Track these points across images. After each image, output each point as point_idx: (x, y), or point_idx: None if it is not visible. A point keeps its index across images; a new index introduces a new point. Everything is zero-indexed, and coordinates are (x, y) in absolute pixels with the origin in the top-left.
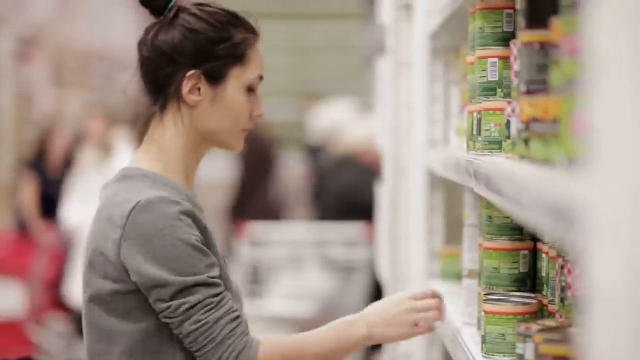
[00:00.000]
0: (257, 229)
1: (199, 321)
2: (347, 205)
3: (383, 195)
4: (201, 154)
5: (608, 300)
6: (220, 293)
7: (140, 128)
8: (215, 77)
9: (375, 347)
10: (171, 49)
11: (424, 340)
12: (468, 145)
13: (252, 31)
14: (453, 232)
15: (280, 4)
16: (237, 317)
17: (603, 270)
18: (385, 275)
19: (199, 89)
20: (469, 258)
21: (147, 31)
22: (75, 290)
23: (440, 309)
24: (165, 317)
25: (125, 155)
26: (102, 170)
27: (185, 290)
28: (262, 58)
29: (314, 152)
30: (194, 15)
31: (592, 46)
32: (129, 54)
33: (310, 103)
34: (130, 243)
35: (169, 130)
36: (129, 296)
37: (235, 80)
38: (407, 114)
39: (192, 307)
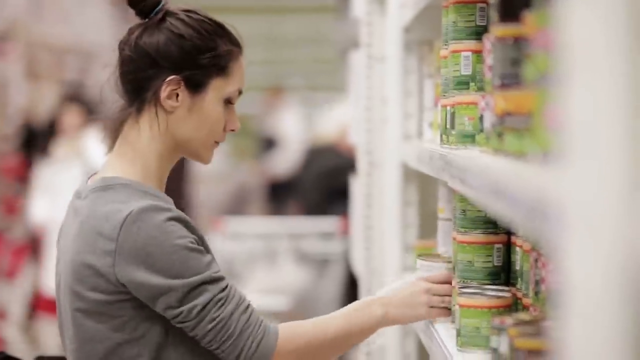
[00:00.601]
0: (231, 222)
1: (214, 319)
2: (330, 188)
3: (357, 189)
4: (173, 161)
5: (582, 293)
6: (227, 286)
7: (113, 128)
8: (195, 86)
9: None
10: (155, 52)
11: (398, 333)
12: (442, 139)
13: (236, 44)
14: (427, 226)
15: None
16: (248, 306)
17: (577, 264)
18: (359, 269)
19: (177, 95)
20: (444, 252)
21: (130, 31)
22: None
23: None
24: (179, 323)
25: (97, 150)
26: (74, 164)
27: (192, 291)
28: (244, 72)
29: (269, 145)
30: (181, 20)
31: (566, 40)
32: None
33: (274, 96)
34: (126, 256)
35: (145, 133)
36: (123, 305)
37: (215, 91)
38: (381, 108)
39: (203, 307)
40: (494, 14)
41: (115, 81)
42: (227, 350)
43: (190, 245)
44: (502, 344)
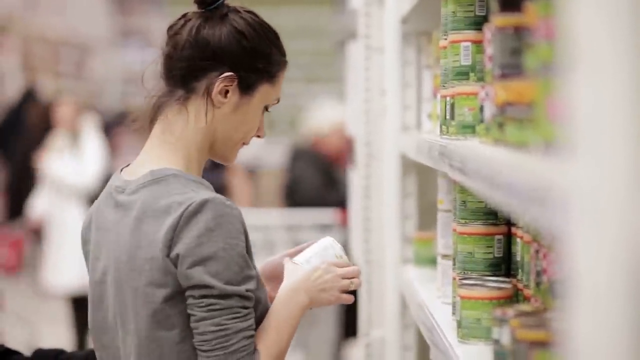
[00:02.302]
0: None
1: (220, 325)
2: (292, 199)
3: (356, 180)
4: (206, 157)
5: (586, 284)
6: (250, 308)
7: (152, 111)
8: (246, 87)
9: (349, 334)
10: (216, 45)
11: (398, 325)
12: (441, 130)
13: (285, 56)
14: (427, 218)
15: None
16: (252, 335)
17: (580, 254)
18: (358, 260)
19: (226, 92)
20: (443, 243)
21: (186, 18)
22: (55, 278)
23: (359, 277)
24: (191, 305)
25: (93, 142)
26: (70, 157)
27: (220, 295)
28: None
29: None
30: (245, 20)
31: (568, 29)
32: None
33: None
34: (182, 244)
35: (191, 124)
36: (173, 300)
37: (261, 96)
38: (379, 99)
39: (220, 309)
40: (493, 4)
41: (163, 64)
42: (214, 359)
43: (242, 251)
44: (504, 336)
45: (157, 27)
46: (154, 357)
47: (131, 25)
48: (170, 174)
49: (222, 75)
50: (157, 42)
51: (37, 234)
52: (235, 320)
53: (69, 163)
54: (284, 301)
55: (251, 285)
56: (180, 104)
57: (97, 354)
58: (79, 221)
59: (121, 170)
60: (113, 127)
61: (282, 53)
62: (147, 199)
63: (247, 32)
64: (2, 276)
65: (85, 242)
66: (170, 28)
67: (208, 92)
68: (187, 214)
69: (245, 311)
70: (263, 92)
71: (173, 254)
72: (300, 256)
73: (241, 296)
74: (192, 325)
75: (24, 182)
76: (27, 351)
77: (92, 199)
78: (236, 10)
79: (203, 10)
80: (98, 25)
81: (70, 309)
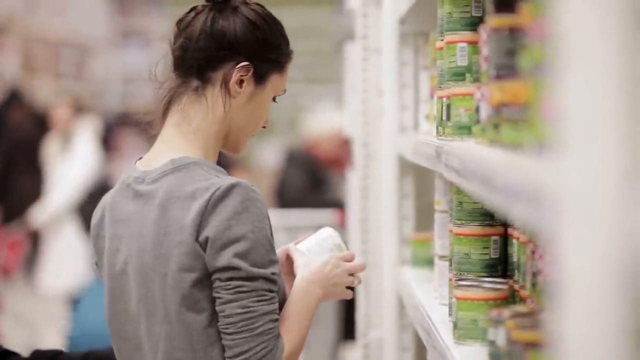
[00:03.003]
0: None
1: (247, 307)
2: (280, 200)
3: (354, 181)
4: (219, 147)
5: (579, 284)
6: (274, 292)
7: (166, 101)
8: (260, 77)
9: (348, 335)
10: (232, 35)
11: (395, 326)
12: (438, 131)
13: (290, 48)
14: (424, 219)
15: None
16: (277, 319)
17: (574, 255)
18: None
19: (242, 81)
20: (440, 244)
21: (197, 10)
22: (52, 279)
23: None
24: (218, 287)
25: (85, 147)
26: (64, 160)
27: (247, 277)
28: None
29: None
30: (256, 12)
31: (561, 30)
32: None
33: None
34: (210, 227)
35: (209, 114)
36: (202, 283)
37: (272, 86)
38: (377, 100)
39: (246, 291)
40: (489, 5)
41: (177, 56)
42: (238, 341)
43: (269, 235)
44: (500, 337)
45: (157, 27)
46: (185, 342)
47: (132, 26)
48: (192, 162)
49: (239, 65)
50: (158, 42)
51: (35, 235)
52: (262, 303)
53: (63, 166)
54: (302, 291)
55: (276, 269)
56: (198, 94)
57: (115, 347)
58: (76, 222)
59: (135, 163)
60: (114, 128)
61: (289, 44)
62: (171, 186)
63: (259, 24)
64: (0, 278)
65: (97, 238)
66: (180, 21)
67: (225, 82)
68: (215, 198)
69: (271, 294)
70: (274, 82)
71: (202, 237)
72: (300, 245)
73: (267, 279)
74: (218, 308)
75: (11, 184)
76: (25, 352)
77: (83, 202)
78: (245, 3)
79: (212, 3)
80: (98, 26)
81: (68, 310)
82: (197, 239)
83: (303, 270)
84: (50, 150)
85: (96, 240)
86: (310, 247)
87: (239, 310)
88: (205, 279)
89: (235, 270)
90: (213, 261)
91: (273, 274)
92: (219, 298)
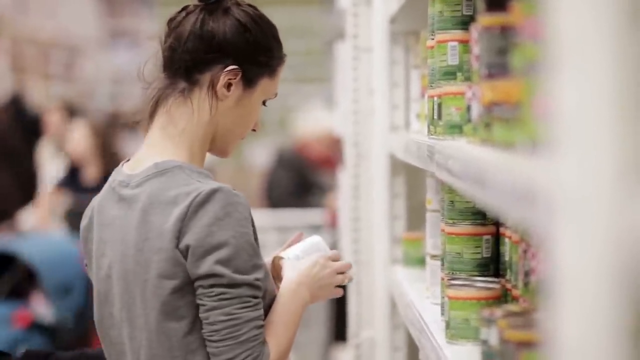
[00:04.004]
0: None
1: (231, 314)
2: (268, 201)
3: (345, 181)
4: (206, 151)
5: (572, 283)
6: (259, 297)
7: (153, 102)
8: (249, 81)
9: (340, 336)
10: (221, 38)
11: (387, 326)
12: (429, 130)
13: (282, 51)
14: (416, 218)
15: None
16: (262, 326)
17: (567, 254)
18: (347, 260)
19: (230, 85)
20: (432, 243)
21: (188, 10)
22: None
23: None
24: (201, 294)
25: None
26: (57, 164)
27: (230, 284)
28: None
29: None
30: (248, 14)
31: (553, 28)
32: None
33: None
34: (191, 234)
35: (195, 117)
36: (182, 291)
37: (261, 90)
38: (368, 99)
39: (230, 298)
40: (480, 3)
41: (165, 56)
42: (223, 349)
43: (249, 237)
44: (492, 336)
45: (146, 28)
46: (164, 349)
47: (121, 27)
48: (176, 166)
49: (227, 69)
50: (147, 43)
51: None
52: (246, 310)
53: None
54: (289, 295)
55: (260, 274)
56: (184, 97)
57: (105, 351)
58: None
59: (122, 165)
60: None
61: (281, 48)
62: (153, 190)
63: (250, 26)
64: None
65: (86, 241)
66: (171, 21)
67: (212, 85)
68: (196, 203)
69: (255, 300)
70: (264, 86)
71: (182, 244)
72: (288, 252)
73: (251, 285)
74: (202, 315)
75: None
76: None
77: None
78: (237, 4)
79: (204, 3)
80: (87, 27)
81: None
82: (177, 246)
83: (291, 272)
84: (43, 155)
85: (85, 243)
86: (297, 255)
87: (223, 318)
88: (186, 286)
89: (217, 277)
90: (195, 269)
91: (257, 279)
92: (203, 305)
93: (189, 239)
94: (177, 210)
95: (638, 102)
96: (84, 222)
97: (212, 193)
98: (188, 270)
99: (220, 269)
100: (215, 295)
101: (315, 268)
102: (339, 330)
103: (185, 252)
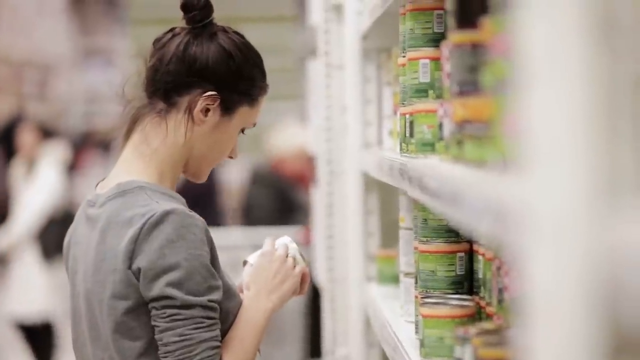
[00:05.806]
0: None
1: (183, 335)
2: (247, 219)
3: (318, 198)
4: (178, 174)
5: (545, 301)
6: (214, 318)
7: (130, 122)
8: (227, 107)
9: (314, 354)
10: (203, 63)
11: (362, 344)
12: (401, 148)
13: (266, 81)
14: (389, 235)
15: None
16: (218, 346)
17: (539, 271)
18: (322, 278)
19: (207, 110)
20: (405, 261)
21: (174, 33)
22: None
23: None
24: (153, 316)
25: (51, 172)
26: (29, 186)
27: (182, 305)
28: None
29: None
30: (233, 41)
31: (523, 45)
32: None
33: None
34: (143, 256)
35: (169, 139)
36: (136, 312)
37: (240, 118)
38: (340, 117)
39: (182, 319)
40: (451, 21)
41: (147, 76)
42: None
43: (206, 261)
44: (466, 354)
45: (120, 46)
46: None
47: (94, 45)
48: (137, 186)
49: (206, 94)
50: (120, 61)
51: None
52: (199, 330)
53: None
54: (246, 309)
55: (215, 295)
56: (161, 117)
57: None
58: (36, 249)
59: (97, 185)
60: (76, 148)
61: (264, 78)
62: (112, 211)
63: (234, 54)
64: None
65: (66, 259)
66: (157, 41)
67: (189, 109)
68: (148, 225)
69: (209, 321)
70: (242, 114)
71: (135, 266)
72: (253, 256)
73: (204, 306)
74: (157, 336)
75: None
76: None
77: (44, 229)
78: (224, 30)
79: (191, 26)
80: (61, 45)
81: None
82: (130, 267)
83: (248, 285)
84: (16, 176)
85: (66, 259)
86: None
87: (176, 339)
88: (140, 307)
89: (169, 299)
90: (147, 291)
91: (210, 300)
92: (157, 326)
93: (140, 261)
94: (131, 231)
95: (609, 118)
96: (66, 239)
97: (165, 215)
98: (142, 292)
99: (171, 292)
100: (168, 317)
101: (273, 272)
102: (313, 347)
103: (137, 274)
